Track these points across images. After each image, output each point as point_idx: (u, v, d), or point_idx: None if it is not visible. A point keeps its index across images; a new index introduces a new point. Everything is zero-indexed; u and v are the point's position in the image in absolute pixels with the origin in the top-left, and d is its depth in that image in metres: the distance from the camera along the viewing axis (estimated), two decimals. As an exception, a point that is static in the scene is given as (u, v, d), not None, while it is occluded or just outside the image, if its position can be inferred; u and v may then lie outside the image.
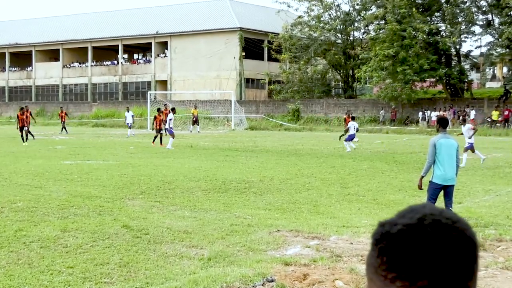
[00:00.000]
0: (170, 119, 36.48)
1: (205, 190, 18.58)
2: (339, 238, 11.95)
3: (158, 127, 37.08)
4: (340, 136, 39.57)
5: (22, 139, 37.83)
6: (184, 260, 10.32)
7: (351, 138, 34.56)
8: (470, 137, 27.22)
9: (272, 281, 8.80)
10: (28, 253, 10.63)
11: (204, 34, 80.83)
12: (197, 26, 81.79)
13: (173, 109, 38.63)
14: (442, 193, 12.59)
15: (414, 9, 61.01)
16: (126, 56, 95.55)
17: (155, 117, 38.48)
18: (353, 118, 36.91)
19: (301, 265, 9.78)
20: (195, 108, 58.91)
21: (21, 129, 38.38)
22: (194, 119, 57.07)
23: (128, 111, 50.63)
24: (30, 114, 42.33)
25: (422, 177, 12.80)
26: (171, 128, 36.18)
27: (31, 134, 40.41)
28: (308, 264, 9.84)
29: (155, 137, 37.14)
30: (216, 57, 79.07)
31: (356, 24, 73.69)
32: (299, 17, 73.30)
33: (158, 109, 39.03)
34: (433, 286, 1.35)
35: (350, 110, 51.07)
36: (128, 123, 49.26)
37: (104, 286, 8.95)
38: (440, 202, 12.54)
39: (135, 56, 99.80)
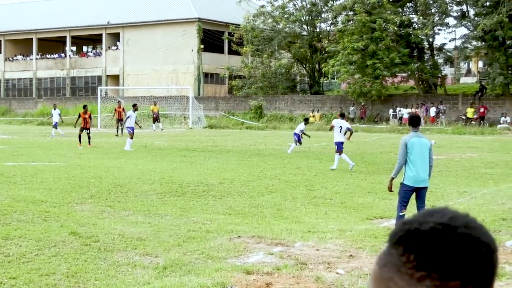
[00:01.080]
0: (129, 117, 35.88)
1: (160, 194, 18.51)
2: (305, 244, 11.98)
3: (82, 126, 36.36)
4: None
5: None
6: (138, 269, 10.26)
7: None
8: None
9: (232, 291, 8.81)
10: (-33, 263, 10.50)
11: (159, 25, 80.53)
12: (152, 17, 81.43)
13: (134, 105, 37.65)
14: (414, 195, 12.67)
15: (384, -1, 61.50)
16: (74, 48, 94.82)
17: (79, 115, 37.95)
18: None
19: (264, 273, 9.78)
20: (155, 105, 58.88)
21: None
22: (155, 116, 56.92)
23: (55, 109, 49.28)
24: None
25: (393, 178, 12.84)
26: (129, 127, 35.35)
27: None
28: (271, 272, 9.86)
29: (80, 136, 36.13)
30: (173, 50, 78.76)
31: (323, 15, 74.08)
32: (262, 7, 73.39)
33: (84, 106, 38.34)
34: (465, 287, 1.39)
35: (341, 107, 51.41)
36: (54, 122, 47.62)
37: (50, 298, 8.88)
38: (412, 205, 12.64)
39: (84, 48, 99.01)
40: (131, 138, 34.45)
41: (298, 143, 33.19)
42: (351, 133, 27.32)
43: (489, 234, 1.46)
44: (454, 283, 1.39)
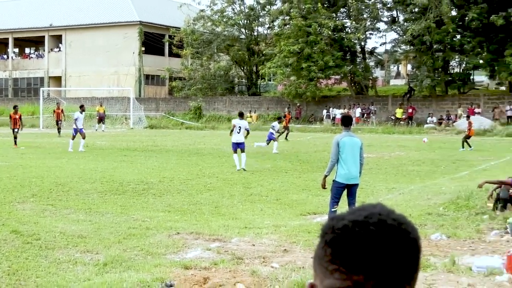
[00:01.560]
0: (76, 119, 34.39)
1: (101, 192, 18.36)
2: (241, 240, 12.02)
3: (12, 127, 35.78)
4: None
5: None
6: (78, 266, 10.16)
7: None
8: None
9: (171, 285, 8.80)
10: None
11: (101, 28, 79.69)
12: (94, 19, 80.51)
13: (81, 107, 36.29)
14: (345, 192, 12.80)
15: (319, 4, 61.84)
16: (17, 50, 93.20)
17: (10, 116, 37.30)
18: (279, 119, 37.34)
19: (202, 268, 9.79)
20: (101, 105, 58.48)
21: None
22: (100, 116, 56.44)
23: None
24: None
25: (326, 176, 12.93)
26: (77, 128, 33.84)
27: None
28: (209, 267, 9.87)
29: (15, 137, 35.45)
30: (114, 52, 78.03)
31: (260, 19, 74.20)
32: (202, 11, 73.22)
33: (14, 107, 37.74)
34: (368, 281, 1.41)
35: (289, 108, 51.76)
36: None
37: (-9, 295, 8.75)
38: (343, 201, 12.78)
39: (27, 50, 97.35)
40: (83, 138, 33.30)
41: (271, 142, 33.79)
42: (248, 133, 25.80)
43: (406, 234, 1.47)
44: (358, 277, 1.41)
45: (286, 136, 42.02)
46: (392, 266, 1.43)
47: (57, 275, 9.64)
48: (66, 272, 9.80)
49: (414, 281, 1.48)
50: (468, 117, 37.85)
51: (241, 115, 26.13)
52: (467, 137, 34.08)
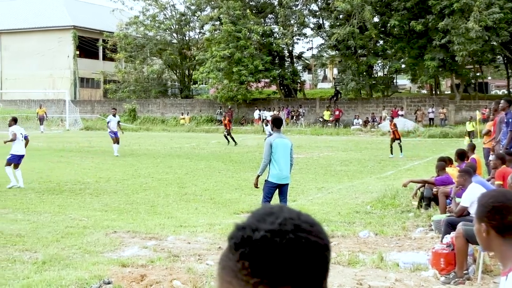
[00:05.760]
0: (109, 122, 31.92)
1: (39, 192, 18.11)
2: (177, 238, 11.99)
3: None
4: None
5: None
6: (17, 264, 10.01)
7: None
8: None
9: (109, 283, 8.71)
10: None
11: (36, 32, 78.36)
12: (29, 24, 79.17)
13: (113, 110, 33.91)
14: (277, 191, 12.86)
15: (248, 10, 62.14)
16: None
17: None
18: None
19: (139, 266, 9.74)
20: (41, 107, 58.17)
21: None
22: (39, 118, 55.71)
23: None
24: None
25: (259, 176, 12.93)
26: (112, 131, 31.42)
27: None
28: (146, 265, 9.83)
29: None
30: (49, 55, 76.83)
31: (191, 24, 74.04)
32: (135, 17, 72.66)
33: None
34: None
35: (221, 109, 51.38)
36: None
37: None
38: (275, 200, 12.84)
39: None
40: (116, 143, 31.17)
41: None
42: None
43: (321, 232, 1.46)
44: (285, 287, 1.38)
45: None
46: (314, 269, 1.41)
47: (-4, 273, 9.48)
48: (5, 271, 9.64)
49: (327, 276, 1.47)
50: (392, 119, 34.66)
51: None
52: (394, 139, 31.07)
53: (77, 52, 77.26)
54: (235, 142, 38.55)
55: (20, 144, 19.63)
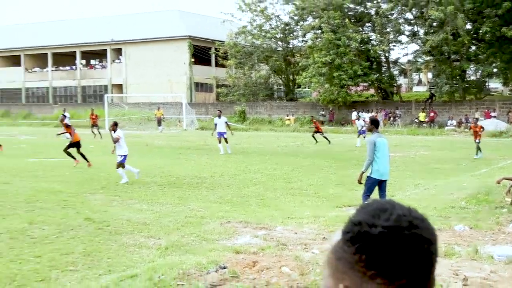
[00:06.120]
0: (216, 124, 31.59)
1: (161, 185, 18.52)
2: (284, 228, 12.03)
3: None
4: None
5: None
6: (143, 249, 10.29)
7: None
8: None
9: (224, 268, 8.84)
10: (-3, 244, 10.47)
11: (156, 42, 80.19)
12: (149, 35, 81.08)
13: (218, 111, 33.34)
14: (376, 187, 12.74)
15: (347, 20, 61.61)
16: (84, 61, 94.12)
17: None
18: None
19: (250, 253, 9.83)
20: (159, 110, 59.20)
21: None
22: (157, 119, 56.94)
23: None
24: None
25: (363, 172, 12.81)
26: (219, 132, 31.27)
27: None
28: (257, 252, 9.90)
29: None
30: (168, 63, 78.55)
31: (295, 33, 74.00)
32: (243, 27, 73.29)
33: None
34: (410, 284, 1.36)
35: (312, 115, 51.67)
36: None
37: (69, 273, 8.88)
38: (374, 195, 12.71)
39: (92, 61, 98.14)
40: (221, 142, 31.03)
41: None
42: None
43: (430, 227, 1.43)
44: (401, 282, 1.36)
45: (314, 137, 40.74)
46: (427, 265, 1.39)
47: (125, 256, 9.78)
48: (133, 254, 9.93)
49: (433, 273, 1.43)
50: (476, 120, 32.10)
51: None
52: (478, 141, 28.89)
53: (192, 60, 78.60)
54: (316, 141, 39.12)
55: (125, 145, 19.86)
